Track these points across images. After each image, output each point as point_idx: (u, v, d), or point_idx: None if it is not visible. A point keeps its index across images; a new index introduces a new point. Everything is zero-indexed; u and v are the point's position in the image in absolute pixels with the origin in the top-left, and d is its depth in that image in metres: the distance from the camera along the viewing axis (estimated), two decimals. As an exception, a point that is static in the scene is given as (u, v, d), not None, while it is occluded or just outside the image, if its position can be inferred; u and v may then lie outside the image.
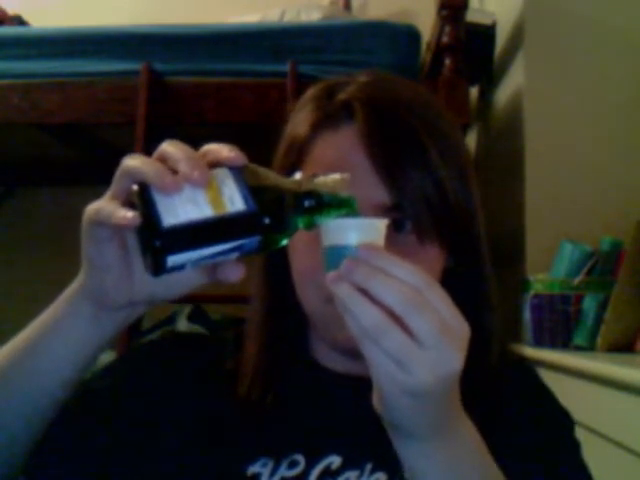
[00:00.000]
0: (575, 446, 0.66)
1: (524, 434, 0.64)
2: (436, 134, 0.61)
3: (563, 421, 0.68)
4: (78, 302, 0.51)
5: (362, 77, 0.64)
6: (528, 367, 0.74)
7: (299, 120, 0.64)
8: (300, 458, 0.62)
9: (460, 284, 0.62)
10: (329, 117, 0.62)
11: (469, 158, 0.66)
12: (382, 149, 0.59)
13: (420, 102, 0.63)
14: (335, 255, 0.48)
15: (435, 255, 0.61)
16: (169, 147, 0.47)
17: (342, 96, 0.62)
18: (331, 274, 0.46)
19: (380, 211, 0.58)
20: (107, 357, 2.37)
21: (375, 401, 0.48)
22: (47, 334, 0.53)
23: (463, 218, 0.62)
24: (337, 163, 0.59)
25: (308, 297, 0.63)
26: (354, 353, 0.60)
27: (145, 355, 0.71)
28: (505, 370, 0.68)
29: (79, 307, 0.51)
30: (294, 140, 0.64)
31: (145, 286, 0.50)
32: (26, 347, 0.53)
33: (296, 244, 0.62)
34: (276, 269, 0.66)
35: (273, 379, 0.65)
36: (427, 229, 0.59)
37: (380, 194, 0.58)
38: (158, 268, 0.44)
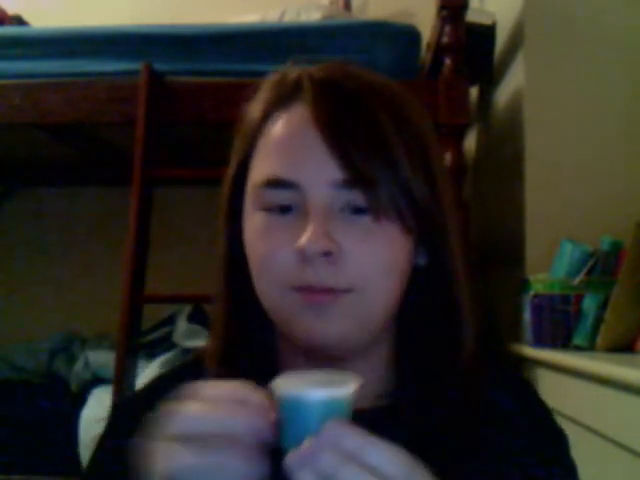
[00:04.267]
0: (571, 469, 0.64)
1: (516, 452, 0.61)
2: (390, 109, 0.58)
3: (559, 441, 0.65)
4: None
5: (322, 64, 0.63)
6: (524, 380, 0.71)
7: (253, 105, 0.63)
8: None
9: (429, 279, 0.61)
10: (281, 97, 0.61)
11: (437, 153, 0.63)
12: (331, 123, 0.56)
13: (378, 82, 0.61)
14: (294, 426, 0.43)
15: (394, 236, 0.57)
16: None
17: (292, 75, 0.62)
18: (291, 455, 0.41)
19: (333, 187, 0.56)
20: (108, 357, 2.35)
21: None
22: None
23: (424, 200, 0.58)
24: (288, 140, 0.58)
25: (265, 287, 0.58)
26: (317, 353, 0.58)
27: (127, 431, 0.68)
28: (498, 381, 0.66)
29: None
30: (248, 124, 0.62)
31: None
32: None
33: (250, 234, 0.60)
34: (238, 273, 0.62)
35: None
36: (382, 206, 0.56)
37: (331, 170, 0.56)
38: None
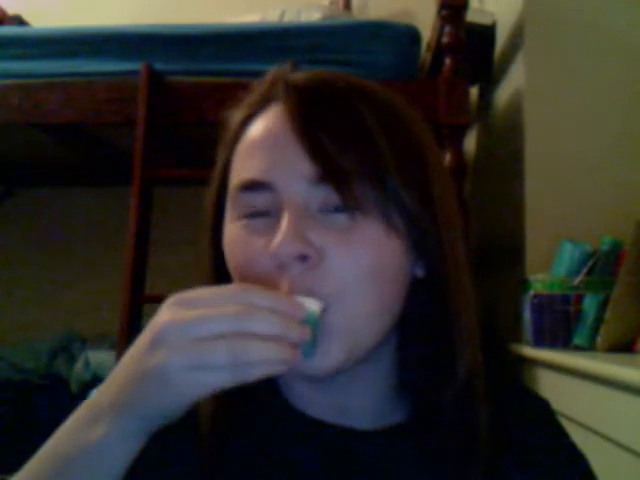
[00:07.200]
0: None
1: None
2: (373, 104, 0.56)
3: (582, 468, 0.62)
4: (122, 421, 0.49)
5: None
6: (541, 400, 0.67)
7: (234, 111, 0.62)
8: None
9: (426, 292, 0.58)
10: (258, 101, 0.59)
11: (436, 161, 0.59)
12: (303, 115, 0.54)
13: (362, 82, 0.59)
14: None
15: (377, 236, 0.53)
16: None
17: (269, 78, 0.60)
18: None
19: (307, 185, 0.53)
20: (108, 357, 2.35)
21: None
22: (81, 461, 0.49)
23: (413, 203, 0.54)
24: (262, 141, 0.56)
25: None
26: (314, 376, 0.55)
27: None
28: (512, 397, 0.64)
29: (124, 426, 0.49)
30: (229, 130, 0.61)
31: None
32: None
33: (227, 246, 0.57)
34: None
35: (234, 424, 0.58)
36: (358, 201, 0.52)
37: (304, 166, 0.53)
38: None
